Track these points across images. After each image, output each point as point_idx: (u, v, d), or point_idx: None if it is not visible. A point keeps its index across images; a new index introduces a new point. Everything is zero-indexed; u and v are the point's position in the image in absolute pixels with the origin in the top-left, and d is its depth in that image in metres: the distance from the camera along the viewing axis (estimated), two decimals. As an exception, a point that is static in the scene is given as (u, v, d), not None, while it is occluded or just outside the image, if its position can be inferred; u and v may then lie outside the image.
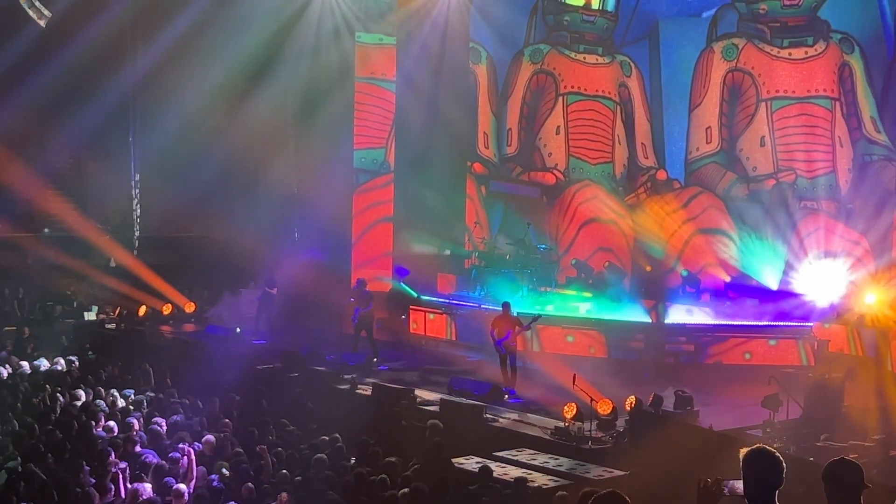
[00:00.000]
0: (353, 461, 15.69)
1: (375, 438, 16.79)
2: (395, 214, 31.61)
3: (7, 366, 22.66)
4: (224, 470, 14.75)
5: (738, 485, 6.04)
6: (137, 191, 35.05)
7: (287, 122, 33.27)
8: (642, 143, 29.47)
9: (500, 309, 22.21)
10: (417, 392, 20.61)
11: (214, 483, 14.06)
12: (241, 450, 15.82)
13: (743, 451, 6.11)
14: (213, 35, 32.00)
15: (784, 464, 6.06)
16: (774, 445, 6.62)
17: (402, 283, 28.44)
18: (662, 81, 29.16)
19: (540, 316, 22.36)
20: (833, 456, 6.63)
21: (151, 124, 33.63)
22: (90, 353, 24.48)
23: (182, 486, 13.66)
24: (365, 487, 13.89)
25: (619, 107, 29.66)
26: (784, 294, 25.22)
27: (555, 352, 24.03)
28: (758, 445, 6.18)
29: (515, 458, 17.23)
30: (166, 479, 13.92)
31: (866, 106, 26.78)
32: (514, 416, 19.51)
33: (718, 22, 28.32)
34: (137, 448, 15.84)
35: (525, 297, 26.20)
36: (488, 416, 19.23)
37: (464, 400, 20.02)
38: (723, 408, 19.69)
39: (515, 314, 21.98)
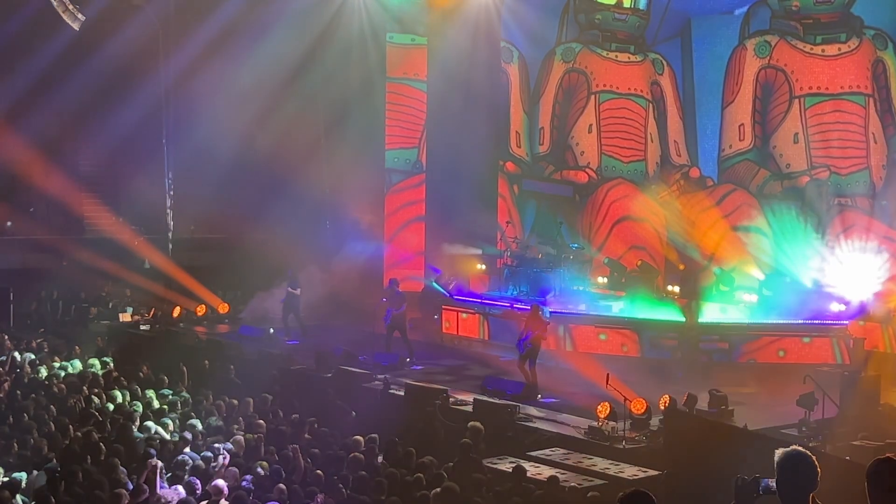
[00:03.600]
0: (383, 461, 15.70)
1: (409, 438, 16.80)
2: (426, 214, 31.64)
3: (44, 366, 22.83)
4: (259, 469, 14.79)
5: (774, 484, 6.03)
6: (171, 193, 35.23)
7: (319, 122, 33.36)
8: (675, 141, 29.38)
9: (529, 310, 22.24)
10: (451, 392, 20.61)
11: (246, 483, 14.09)
12: (275, 450, 15.88)
13: (778, 453, 6.08)
14: (246, 37, 32.15)
15: (819, 468, 6.01)
16: (810, 444, 6.61)
17: (434, 282, 28.47)
18: (695, 79, 29.06)
19: (550, 315, 22.42)
20: (869, 455, 6.59)
21: (184, 126, 33.79)
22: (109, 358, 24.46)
23: (221, 482, 13.72)
24: (397, 488, 13.90)
25: (651, 105, 29.58)
26: (818, 291, 25.09)
27: (587, 351, 24.02)
28: (793, 448, 6.13)
29: (549, 457, 17.23)
30: (201, 479, 14.00)
31: (901, 102, 26.67)
32: (548, 415, 19.49)
33: (751, 19, 28.19)
34: (173, 448, 15.92)
35: (557, 296, 26.18)
36: (521, 415, 19.22)
37: (497, 400, 20.00)
38: (757, 407, 19.60)
39: (541, 316, 21.96)
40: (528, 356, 21.46)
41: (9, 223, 26.82)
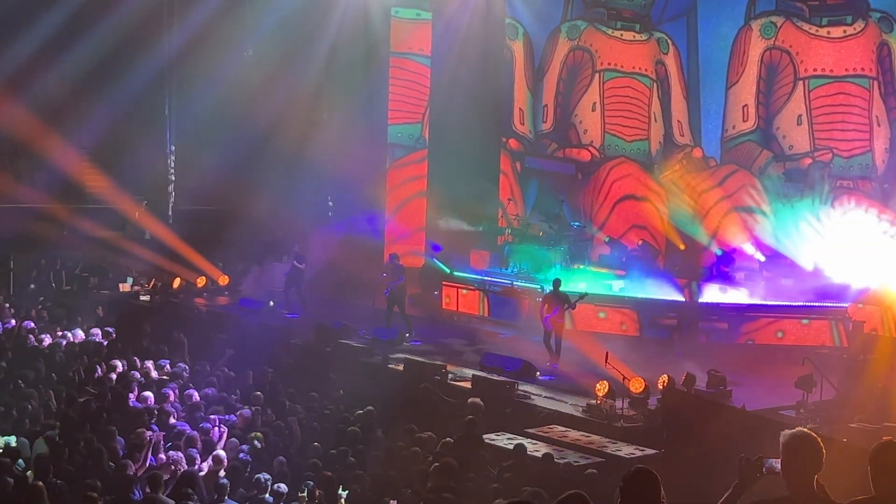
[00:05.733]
0: (382, 435, 15.75)
1: (407, 413, 16.85)
2: (429, 190, 31.58)
3: (46, 335, 22.87)
4: (256, 442, 14.85)
5: (777, 464, 6.06)
6: (173, 163, 35.16)
7: (322, 95, 33.27)
8: (678, 121, 29.33)
9: (551, 287, 22.31)
10: (449, 368, 20.65)
11: (243, 455, 14.15)
12: (273, 422, 15.94)
13: (784, 435, 6.10)
14: (250, 8, 32.05)
15: (824, 450, 6.04)
16: (808, 426, 6.66)
17: (435, 259, 28.46)
18: (699, 59, 29.00)
19: (585, 295, 22.36)
20: (866, 438, 6.62)
21: (187, 97, 33.66)
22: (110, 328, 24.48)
23: (221, 453, 13.80)
24: (396, 462, 13.95)
25: (655, 84, 29.51)
26: (819, 274, 25.10)
27: (587, 329, 24.00)
28: (799, 430, 6.16)
29: (547, 434, 17.28)
30: (199, 449, 14.08)
31: (904, 85, 26.64)
32: (546, 392, 19.53)
33: (757, 0, 28.13)
34: (172, 420, 15.99)
35: (558, 273, 26.19)
36: (520, 392, 19.26)
37: (496, 376, 20.04)
38: (756, 387, 19.62)
39: (563, 292, 22.05)
40: (552, 333, 21.60)
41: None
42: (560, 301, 21.69)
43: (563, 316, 21.73)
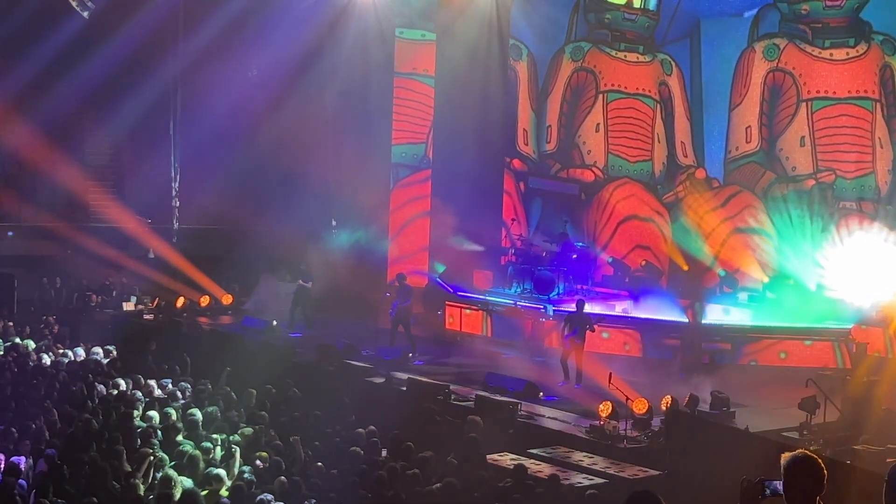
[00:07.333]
0: (385, 455, 15.73)
1: (410, 433, 16.83)
2: (432, 209, 31.61)
3: (49, 353, 22.86)
4: (258, 462, 14.84)
5: (780, 486, 6.06)
6: (177, 182, 35.22)
7: (326, 115, 33.34)
8: (682, 142, 29.36)
9: (574, 308, 22.44)
10: (452, 388, 20.64)
11: (246, 474, 14.14)
12: (275, 442, 15.92)
13: (785, 457, 6.10)
14: (255, 28, 32.14)
15: (826, 471, 6.04)
16: (811, 448, 6.68)
17: (437, 278, 28.47)
18: (703, 80, 29.02)
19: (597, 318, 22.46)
20: (871, 459, 6.62)
21: (192, 116, 33.75)
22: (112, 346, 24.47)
23: (221, 471, 13.79)
24: (398, 482, 13.93)
25: (659, 105, 29.54)
26: (822, 295, 25.09)
27: (590, 349, 23.96)
28: (800, 452, 6.15)
29: (550, 455, 17.26)
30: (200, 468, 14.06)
31: (907, 107, 26.67)
32: (549, 413, 19.51)
33: (760, 22, 28.15)
34: (176, 438, 15.97)
35: (561, 294, 26.21)
36: (523, 412, 19.24)
37: (499, 396, 20.03)
38: (759, 409, 19.62)
39: (586, 314, 22.11)
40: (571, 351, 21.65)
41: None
42: (580, 322, 21.70)
43: (583, 338, 21.70)
